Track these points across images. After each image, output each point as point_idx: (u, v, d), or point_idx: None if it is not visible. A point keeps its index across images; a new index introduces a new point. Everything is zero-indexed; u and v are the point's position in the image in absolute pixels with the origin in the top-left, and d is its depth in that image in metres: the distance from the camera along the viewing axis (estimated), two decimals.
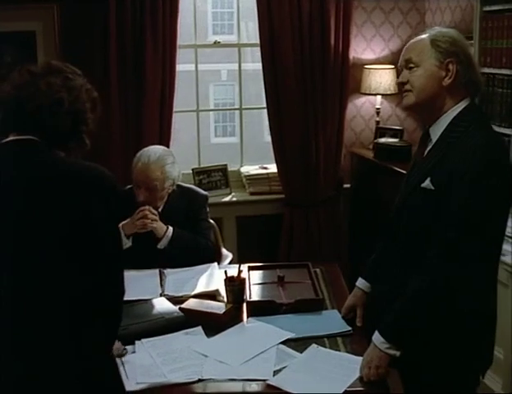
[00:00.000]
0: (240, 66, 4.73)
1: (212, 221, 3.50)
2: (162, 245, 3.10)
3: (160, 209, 3.19)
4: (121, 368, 2.10)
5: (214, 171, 4.70)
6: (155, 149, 3.19)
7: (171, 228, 3.12)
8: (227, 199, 4.63)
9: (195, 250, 3.11)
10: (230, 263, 3.45)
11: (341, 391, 1.98)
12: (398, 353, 2.04)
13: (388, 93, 4.37)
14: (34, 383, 1.64)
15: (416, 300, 2.03)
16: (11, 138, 1.74)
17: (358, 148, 4.68)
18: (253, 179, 4.66)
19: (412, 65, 2.11)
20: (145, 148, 3.21)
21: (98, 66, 4.12)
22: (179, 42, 4.22)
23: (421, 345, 2.06)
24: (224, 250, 3.63)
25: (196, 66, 4.66)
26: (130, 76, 4.16)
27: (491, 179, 1.96)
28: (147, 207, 3.07)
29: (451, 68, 2.06)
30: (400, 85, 2.18)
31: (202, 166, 4.73)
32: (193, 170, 4.62)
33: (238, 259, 3.81)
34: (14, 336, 1.66)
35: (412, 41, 2.15)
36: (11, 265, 1.65)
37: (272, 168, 4.64)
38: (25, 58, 4.07)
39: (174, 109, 4.30)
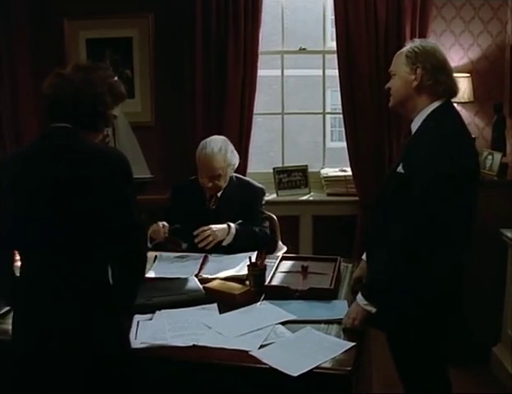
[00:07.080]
0: (323, 72, 4.94)
1: (271, 214, 3.78)
2: (226, 242, 3.37)
3: (219, 195, 3.51)
4: (134, 329, 2.44)
5: (294, 172, 4.94)
6: (217, 140, 3.48)
7: (232, 227, 3.38)
8: (305, 198, 4.86)
9: (254, 239, 3.39)
10: None
11: (310, 367, 2.17)
12: (373, 309, 2.49)
13: (462, 101, 4.36)
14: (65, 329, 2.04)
15: (382, 267, 2.51)
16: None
17: None
18: (331, 180, 4.85)
19: (393, 74, 2.65)
20: (207, 139, 3.50)
21: (186, 67, 4.51)
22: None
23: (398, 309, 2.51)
24: (280, 244, 3.88)
25: (282, 72, 4.93)
26: (213, 78, 4.51)
27: (440, 166, 2.39)
28: (200, 230, 3.33)
29: (418, 72, 2.53)
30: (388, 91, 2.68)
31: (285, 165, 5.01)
32: (274, 169, 4.89)
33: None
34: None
35: (395, 55, 2.66)
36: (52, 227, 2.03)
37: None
38: (123, 61, 4.59)
39: (255, 112, 4.60)
